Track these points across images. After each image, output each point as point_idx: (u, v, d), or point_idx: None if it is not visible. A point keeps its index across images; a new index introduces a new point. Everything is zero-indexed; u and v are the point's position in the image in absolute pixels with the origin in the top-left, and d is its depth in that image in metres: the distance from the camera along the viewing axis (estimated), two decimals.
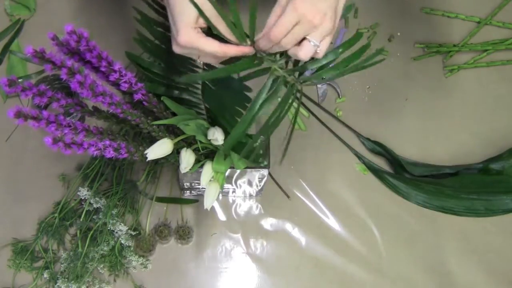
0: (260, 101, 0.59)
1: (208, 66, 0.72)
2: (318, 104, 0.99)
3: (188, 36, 0.59)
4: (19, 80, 0.55)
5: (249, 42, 0.60)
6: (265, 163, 0.78)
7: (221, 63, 0.65)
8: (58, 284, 0.84)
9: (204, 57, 0.63)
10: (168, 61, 0.75)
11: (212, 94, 0.73)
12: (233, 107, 0.72)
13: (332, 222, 0.93)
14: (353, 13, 1.03)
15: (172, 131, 0.72)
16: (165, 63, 0.75)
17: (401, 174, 0.95)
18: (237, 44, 0.60)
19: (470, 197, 0.92)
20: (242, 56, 0.61)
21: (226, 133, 0.72)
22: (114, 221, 0.86)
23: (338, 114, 0.98)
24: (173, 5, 0.59)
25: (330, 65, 0.61)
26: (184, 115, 0.70)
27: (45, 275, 0.86)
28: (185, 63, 0.75)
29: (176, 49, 0.61)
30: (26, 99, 0.93)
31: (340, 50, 0.61)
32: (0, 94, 0.95)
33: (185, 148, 0.70)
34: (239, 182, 0.85)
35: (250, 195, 0.92)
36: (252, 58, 0.61)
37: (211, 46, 0.59)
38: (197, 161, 0.71)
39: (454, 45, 1.02)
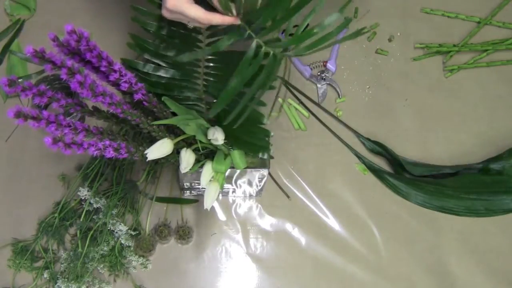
0: (245, 65, 0.61)
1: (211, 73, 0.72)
2: (318, 104, 0.99)
3: (175, 0, 0.62)
4: (19, 80, 0.55)
5: (234, 13, 0.61)
6: (269, 154, 0.77)
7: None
8: (58, 284, 0.84)
9: (192, 22, 0.66)
10: (168, 60, 0.75)
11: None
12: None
13: (332, 222, 0.93)
14: (353, 13, 1.03)
15: (172, 131, 0.72)
16: (166, 62, 0.75)
17: (401, 174, 0.95)
18: (222, 14, 0.62)
19: (470, 197, 0.92)
20: (228, 26, 0.63)
21: (225, 129, 0.72)
22: (114, 221, 0.86)
23: (338, 114, 0.98)
24: None
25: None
26: (184, 115, 0.70)
27: (45, 275, 0.86)
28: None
29: (164, 13, 0.64)
30: (26, 99, 0.93)
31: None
32: (0, 94, 0.95)
33: (185, 148, 0.70)
34: (239, 182, 0.85)
35: (250, 195, 0.92)
36: (255, 59, 0.61)
37: (195, 12, 0.62)
38: (197, 161, 0.72)
39: (454, 45, 1.02)
